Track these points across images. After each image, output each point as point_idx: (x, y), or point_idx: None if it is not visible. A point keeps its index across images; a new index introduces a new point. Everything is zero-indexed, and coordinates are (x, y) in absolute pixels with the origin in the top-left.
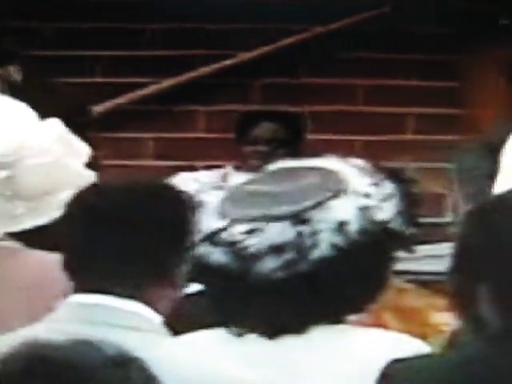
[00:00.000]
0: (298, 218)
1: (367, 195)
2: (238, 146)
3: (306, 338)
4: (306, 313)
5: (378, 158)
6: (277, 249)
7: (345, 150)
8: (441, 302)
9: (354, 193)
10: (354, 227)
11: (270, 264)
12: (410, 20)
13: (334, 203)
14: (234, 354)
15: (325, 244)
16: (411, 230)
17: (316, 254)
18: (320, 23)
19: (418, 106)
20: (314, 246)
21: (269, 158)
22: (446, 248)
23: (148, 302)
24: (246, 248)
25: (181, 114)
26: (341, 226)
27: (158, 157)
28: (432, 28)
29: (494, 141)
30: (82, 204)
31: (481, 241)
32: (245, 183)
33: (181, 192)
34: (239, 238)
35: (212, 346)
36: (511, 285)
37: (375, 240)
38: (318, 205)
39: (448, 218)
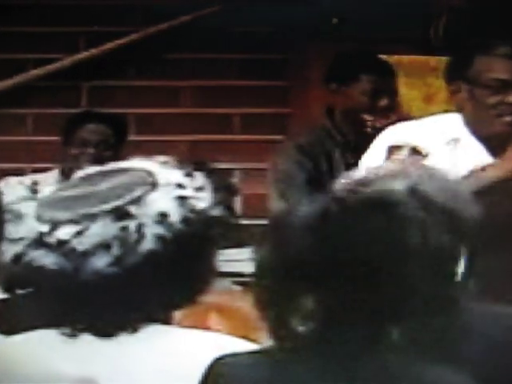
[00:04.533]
0: (120, 213)
1: (181, 186)
2: (65, 149)
3: (134, 337)
4: (137, 309)
5: (204, 158)
6: (105, 245)
7: (172, 151)
8: None
9: (168, 185)
10: (175, 217)
11: (100, 261)
12: (237, 20)
13: (152, 196)
14: (65, 353)
15: (150, 236)
16: (231, 218)
17: (143, 247)
18: (148, 24)
19: (244, 105)
20: (140, 239)
21: (95, 160)
22: None
23: None
24: (74, 248)
25: (9, 117)
26: (163, 217)
27: None
28: (259, 27)
29: (303, 143)
30: None
31: (308, 251)
32: (58, 189)
33: None
34: (66, 239)
35: (44, 345)
36: (338, 297)
37: (198, 229)
38: (137, 199)
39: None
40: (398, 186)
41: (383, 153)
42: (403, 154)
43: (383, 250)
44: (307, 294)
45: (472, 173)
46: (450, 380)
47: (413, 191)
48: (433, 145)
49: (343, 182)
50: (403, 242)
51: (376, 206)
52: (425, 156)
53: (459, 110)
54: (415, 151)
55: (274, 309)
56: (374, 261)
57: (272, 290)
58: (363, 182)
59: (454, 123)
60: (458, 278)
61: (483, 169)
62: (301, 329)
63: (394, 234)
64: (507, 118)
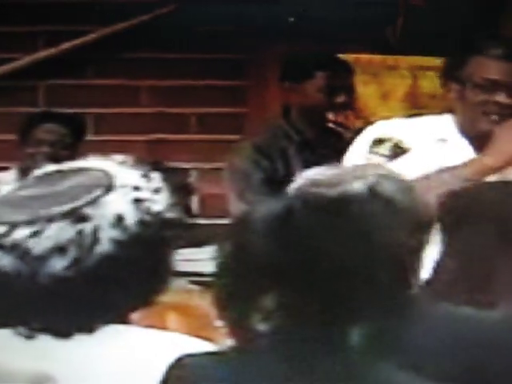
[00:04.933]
0: (77, 216)
1: (137, 188)
2: (21, 148)
3: (91, 337)
4: (94, 311)
5: (162, 158)
6: (60, 248)
7: (129, 151)
8: None
9: (125, 187)
10: (131, 220)
11: (56, 264)
12: (195, 20)
13: (108, 198)
14: (22, 351)
15: (106, 240)
16: (188, 219)
17: (99, 250)
18: (107, 23)
19: (201, 105)
20: (96, 242)
21: (52, 159)
22: None
23: None
24: (29, 250)
25: None
26: (119, 221)
27: None
28: (217, 27)
29: (259, 143)
30: None
31: (270, 250)
32: (16, 188)
33: None
34: (21, 241)
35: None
36: (298, 297)
37: (154, 231)
38: (93, 201)
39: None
40: (359, 186)
41: (366, 146)
42: (386, 147)
43: (345, 250)
44: (268, 293)
45: (449, 169)
46: (411, 381)
47: (372, 191)
48: (419, 142)
49: (301, 182)
50: (365, 242)
51: (339, 206)
52: (406, 151)
53: (450, 111)
54: (398, 146)
55: (234, 308)
56: (335, 261)
57: (233, 289)
58: (325, 183)
59: (443, 124)
60: (419, 277)
61: (461, 165)
62: (261, 328)
63: (356, 235)
64: (494, 117)
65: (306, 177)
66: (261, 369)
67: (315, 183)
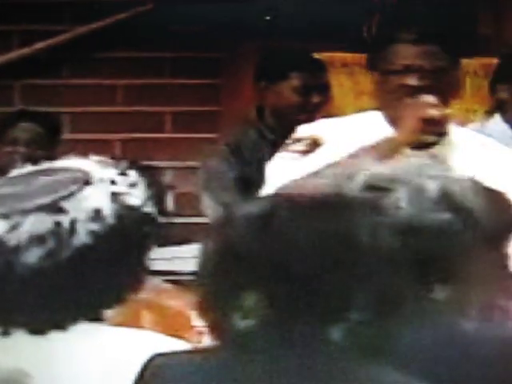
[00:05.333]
0: (54, 208)
1: (114, 182)
2: None
3: (65, 336)
4: (69, 306)
5: (137, 157)
6: (37, 239)
7: (105, 150)
8: None
9: (102, 181)
10: (108, 213)
11: (33, 254)
12: (168, 18)
13: (86, 192)
14: None
15: (83, 232)
16: (163, 216)
17: (75, 241)
18: (83, 22)
19: (177, 104)
20: (73, 233)
21: (28, 159)
22: None
23: None
24: (6, 242)
25: None
26: (96, 214)
27: None
28: (192, 26)
29: (232, 142)
30: None
31: (252, 249)
32: None
33: None
34: None
35: None
36: (279, 295)
37: (131, 225)
38: (71, 194)
39: (208, 219)
40: (431, 185)
41: (288, 146)
42: (301, 145)
43: (331, 251)
44: (249, 290)
45: (362, 151)
46: (394, 380)
47: (444, 192)
48: (338, 138)
49: (358, 175)
50: (364, 243)
51: (335, 205)
52: (320, 145)
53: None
54: (313, 143)
55: (215, 307)
56: (318, 261)
57: (214, 287)
58: (390, 179)
59: (370, 119)
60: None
61: (373, 146)
62: (241, 326)
63: (350, 235)
64: (408, 100)
65: (360, 168)
66: (237, 368)
67: (375, 179)
